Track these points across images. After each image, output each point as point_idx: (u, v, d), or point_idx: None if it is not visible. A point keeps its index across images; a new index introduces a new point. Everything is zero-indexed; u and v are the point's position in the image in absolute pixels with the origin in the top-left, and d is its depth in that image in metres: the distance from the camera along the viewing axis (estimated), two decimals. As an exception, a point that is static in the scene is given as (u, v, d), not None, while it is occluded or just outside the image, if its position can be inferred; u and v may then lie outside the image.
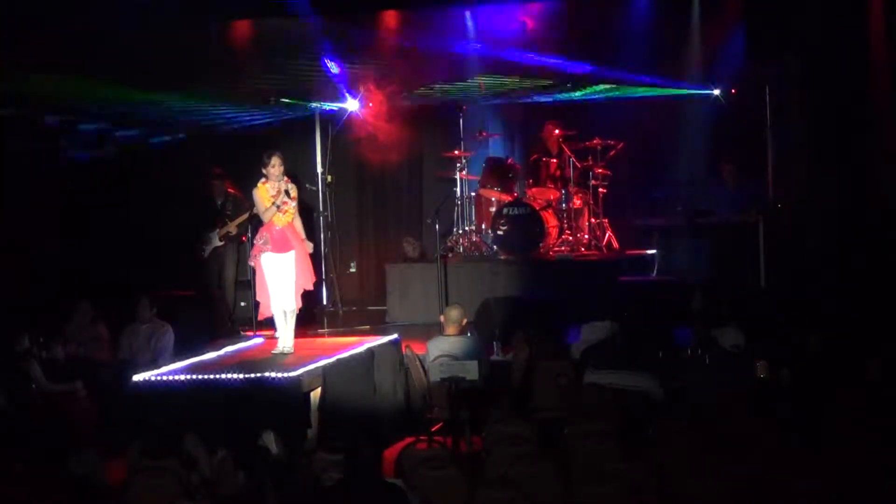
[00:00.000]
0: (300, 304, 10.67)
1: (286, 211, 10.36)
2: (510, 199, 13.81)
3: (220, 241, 13.39)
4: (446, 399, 9.27)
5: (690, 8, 14.52)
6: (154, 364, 10.65)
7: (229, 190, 13.51)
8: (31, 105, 12.95)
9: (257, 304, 10.86)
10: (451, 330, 10.07)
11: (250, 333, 12.22)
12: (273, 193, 10.32)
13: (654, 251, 13.92)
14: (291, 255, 10.42)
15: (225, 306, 13.41)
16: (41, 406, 10.09)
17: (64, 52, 12.46)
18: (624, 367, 8.84)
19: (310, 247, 10.55)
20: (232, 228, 13.33)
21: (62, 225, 13.62)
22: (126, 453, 7.78)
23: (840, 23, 13.62)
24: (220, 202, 13.50)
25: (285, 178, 10.40)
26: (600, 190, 14.31)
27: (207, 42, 14.88)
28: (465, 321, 10.23)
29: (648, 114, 14.63)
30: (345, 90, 14.82)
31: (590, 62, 14.44)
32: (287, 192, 10.32)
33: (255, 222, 11.05)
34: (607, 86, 14.61)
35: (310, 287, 10.62)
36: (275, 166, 10.31)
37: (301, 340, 11.04)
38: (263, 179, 10.39)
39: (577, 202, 14.20)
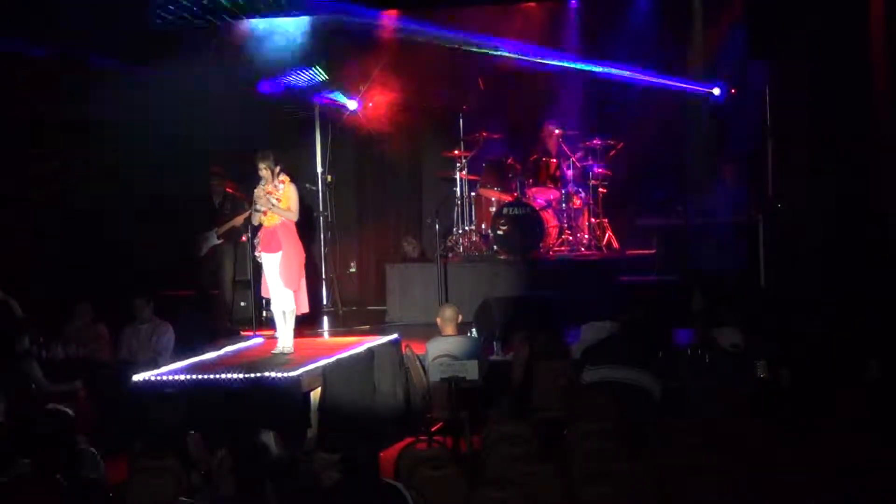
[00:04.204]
0: (307, 306, 10.70)
1: (266, 212, 10.39)
2: (510, 199, 13.82)
3: (219, 239, 13.39)
4: (446, 399, 9.26)
5: (691, 7, 14.52)
6: (154, 364, 10.66)
7: (227, 190, 13.51)
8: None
9: (258, 303, 10.86)
10: (449, 329, 10.07)
11: (250, 333, 12.23)
12: (255, 195, 10.42)
13: (654, 251, 13.91)
14: (279, 255, 10.45)
15: (223, 306, 13.41)
16: (41, 406, 10.07)
17: None
18: (622, 363, 8.83)
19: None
20: (238, 221, 13.28)
21: (62, 225, 13.60)
22: (126, 453, 7.78)
23: (840, 22, 13.61)
24: (218, 202, 13.50)
25: (280, 180, 10.42)
26: (600, 190, 14.32)
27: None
28: (459, 318, 10.23)
29: (648, 114, 14.63)
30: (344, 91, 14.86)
31: (591, 62, 14.46)
32: (265, 199, 10.33)
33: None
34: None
35: (292, 288, 10.58)
36: (260, 169, 10.44)
37: (301, 340, 11.06)
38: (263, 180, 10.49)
39: (577, 202, 14.21)
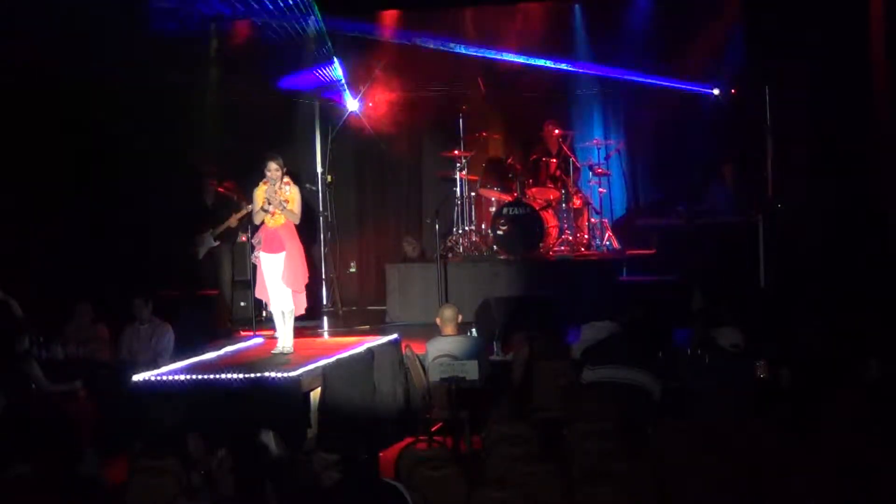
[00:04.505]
0: (304, 307, 10.71)
1: (274, 213, 10.41)
2: (510, 199, 13.82)
3: (215, 241, 13.38)
4: (446, 399, 9.26)
5: (691, 7, 14.53)
6: (154, 364, 10.67)
7: (219, 189, 13.50)
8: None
9: (258, 303, 10.86)
10: (448, 329, 10.07)
11: (250, 333, 12.23)
12: (267, 196, 10.41)
13: (654, 251, 13.91)
14: (282, 255, 10.46)
15: (223, 306, 13.41)
16: (41, 406, 10.07)
17: None
18: (621, 363, 8.83)
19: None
20: (233, 222, 13.25)
21: (62, 225, 13.60)
22: (126, 453, 7.78)
23: (840, 22, 13.61)
24: (209, 202, 13.49)
25: (285, 181, 10.44)
26: (600, 190, 14.33)
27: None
28: (459, 318, 10.23)
29: (648, 114, 14.63)
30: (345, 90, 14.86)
31: (591, 62, 14.46)
32: (277, 200, 10.35)
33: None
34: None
35: (297, 290, 10.62)
36: (270, 170, 10.42)
37: (301, 340, 11.06)
38: (264, 180, 10.46)
39: (577, 202, 14.21)
